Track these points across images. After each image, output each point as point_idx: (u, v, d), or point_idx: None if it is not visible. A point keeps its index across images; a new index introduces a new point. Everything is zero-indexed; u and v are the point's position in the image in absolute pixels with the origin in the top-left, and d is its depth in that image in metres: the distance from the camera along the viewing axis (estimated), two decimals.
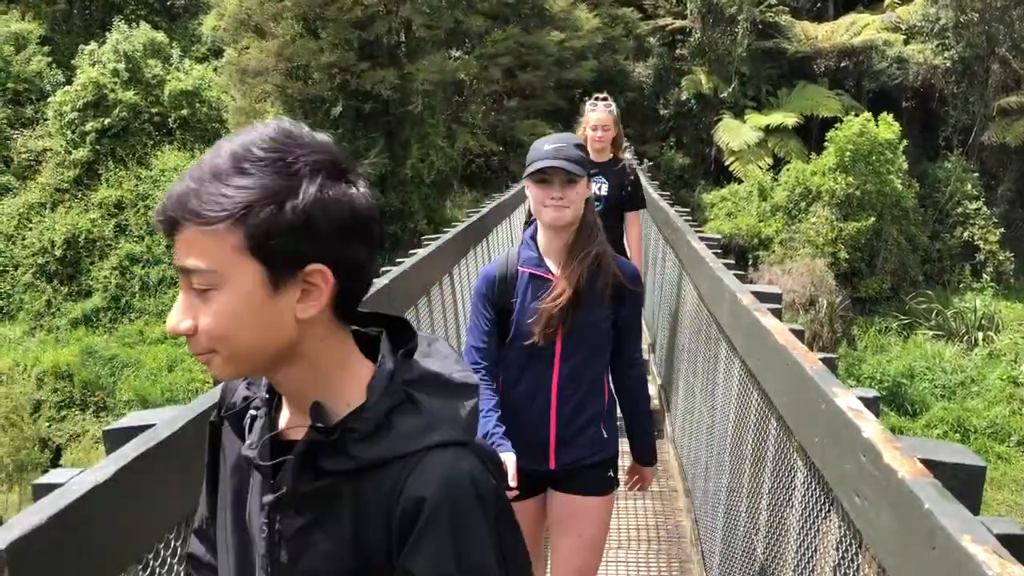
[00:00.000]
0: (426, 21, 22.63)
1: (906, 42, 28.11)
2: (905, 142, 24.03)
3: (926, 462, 1.56)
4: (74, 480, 1.54)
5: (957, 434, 18.90)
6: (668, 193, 12.93)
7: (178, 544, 1.85)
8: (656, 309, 8.32)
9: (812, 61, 29.09)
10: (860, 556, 1.81)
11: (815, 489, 2.14)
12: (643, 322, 3.83)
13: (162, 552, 1.79)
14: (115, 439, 1.86)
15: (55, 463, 18.56)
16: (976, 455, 1.85)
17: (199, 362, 1.10)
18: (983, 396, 20.24)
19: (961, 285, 24.68)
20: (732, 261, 4.75)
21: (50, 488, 1.52)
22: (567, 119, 30.03)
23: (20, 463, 18.30)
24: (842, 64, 28.82)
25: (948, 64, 27.10)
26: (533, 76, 25.94)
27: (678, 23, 30.92)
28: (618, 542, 4.88)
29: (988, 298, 23.63)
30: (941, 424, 19.23)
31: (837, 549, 1.93)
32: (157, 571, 1.77)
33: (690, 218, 7.72)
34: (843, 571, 1.89)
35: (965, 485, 1.63)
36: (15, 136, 26.99)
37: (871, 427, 1.71)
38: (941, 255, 25.49)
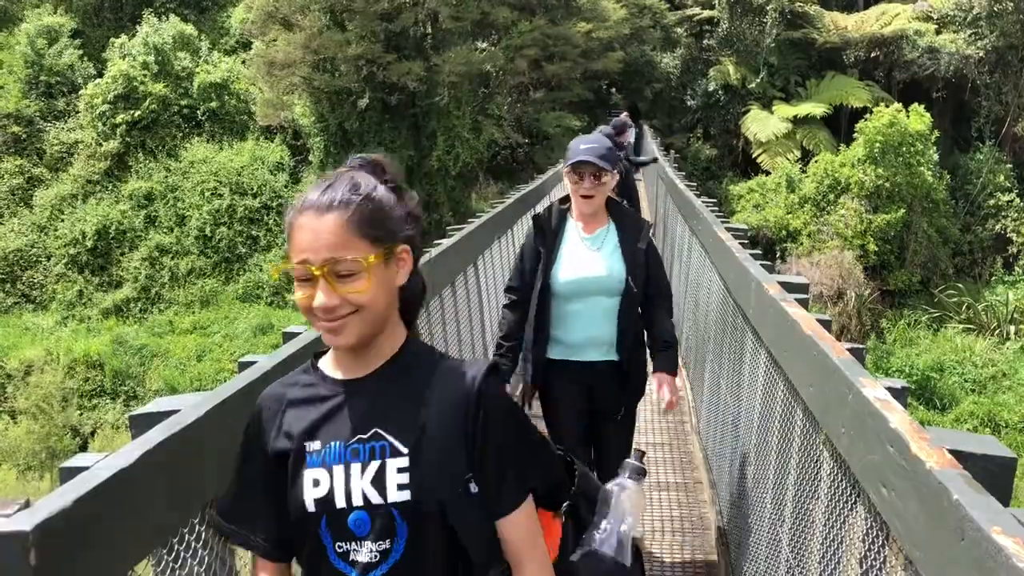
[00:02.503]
0: (452, 12, 22.61)
1: (938, 32, 27.71)
2: (936, 133, 23.69)
3: (955, 453, 1.54)
4: (99, 464, 1.55)
5: (988, 429, 18.64)
6: (695, 184, 12.86)
7: (202, 528, 1.86)
8: (681, 300, 8.28)
9: (842, 52, 28.76)
10: (887, 548, 1.79)
11: (841, 480, 2.12)
12: None
13: (187, 536, 1.80)
14: (140, 424, 1.88)
15: (83, 451, 18.84)
16: (1006, 447, 1.82)
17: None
18: (1015, 391, 19.95)
19: (993, 278, 24.33)
20: (759, 252, 4.71)
21: (76, 471, 1.54)
22: (593, 110, 29.95)
23: (51, 450, 18.61)
24: (872, 54, 28.46)
25: (981, 54, 26.67)
26: (559, 67, 25.87)
27: (706, 13, 30.71)
28: (642, 533, 4.87)
29: (1020, 291, 23.27)
30: (971, 419, 18.99)
31: (863, 540, 1.91)
32: (182, 555, 1.78)
33: (717, 209, 7.66)
34: (869, 563, 1.87)
35: (995, 477, 1.60)
36: (47, 128, 27.36)
37: (898, 417, 1.69)
38: (972, 247, 25.14)
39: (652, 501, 5.32)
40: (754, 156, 27.27)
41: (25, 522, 1.30)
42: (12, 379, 20.76)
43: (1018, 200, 25.40)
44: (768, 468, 3.15)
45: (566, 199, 3.60)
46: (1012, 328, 22.13)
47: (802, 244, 23.87)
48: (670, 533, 4.89)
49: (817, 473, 2.38)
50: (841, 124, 27.18)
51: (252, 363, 2.26)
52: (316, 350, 1.52)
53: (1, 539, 1.28)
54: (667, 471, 5.82)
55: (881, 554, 1.81)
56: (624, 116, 16.91)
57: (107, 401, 20.61)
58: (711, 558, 4.59)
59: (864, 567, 1.90)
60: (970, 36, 27.01)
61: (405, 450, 1.46)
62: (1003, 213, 25.29)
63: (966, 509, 1.31)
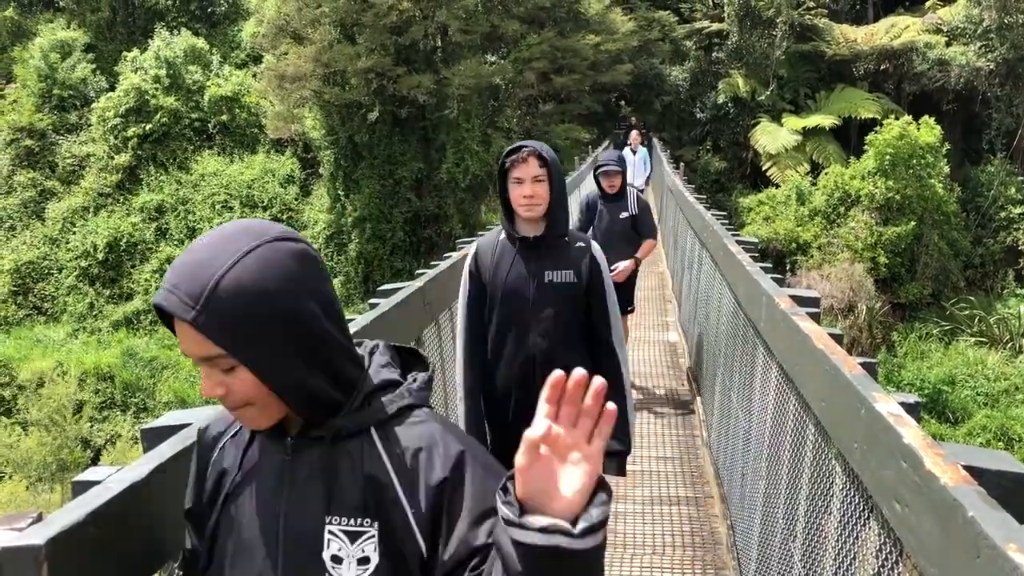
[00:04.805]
0: (462, 26, 22.70)
1: (948, 44, 27.68)
2: (947, 145, 23.63)
3: (969, 469, 1.53)
4: (112, 477, 1.55)
5: (1000, 443, 18.51)
6: (704, 197, 12.86)
7: None
8: (692, 312, 8.27)
9: (851, 64, 28.74)
10: (900, 564, 1.77)
11: (854, 495, 2.11)
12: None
13: None
14: (152, 438, 1.88)
15: (95, 463, 18.86)
16: (1021, 463, 1.80)
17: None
18: None
19: (1005, 291, 24.20)
20: (769, 265, 4.71)
21: (88, 485, 1.54)
22: (602, 123, 30.00)
23: (62, 462, 18.64)
24: (882, 67, 28.44)
25: (991, 66, 26.62)
26: (568, 80, 25.94)
27: (715, 26, 30.75)
28: (652, 548, 4.85)
29: None
30: (983, 432, 18.85)
31: (877, 557, 1.90)
32: None
33: (726, 222, 7.65)
34: None
35: (1009, 493, 1.59)
36: (60, 142, 27.55)
37: (912, 432, 1.68)
38: (984, 260, 25.03)
39: (662, 515, 5.30)
40: (764, 168, 27.25)
41: (38, 536, 1.30)
42: (24, 390, 20.84)
43: None
44: (780, 483, 3.14)
45: None
46: None
47: (812, 257, 23.81)
48: (680, 548, 4.87)
49: (829, 488, 2.37)
50: (851, 136, 27.14)
51: None
52: None
53: (14, 553, 1.28)
54: (677, 485, 5.80)
55: (895, 570, 1.80)
56: (634, 136, 17.19)
57: (117, 413, 20.66)
58: (722, 572, 4.56)
59: None
60: (980, 48, 26.97)
61: None
62: (1015, 225, 25.17)
63: (981, 525, 1.30)
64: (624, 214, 6.85)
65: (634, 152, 16.55)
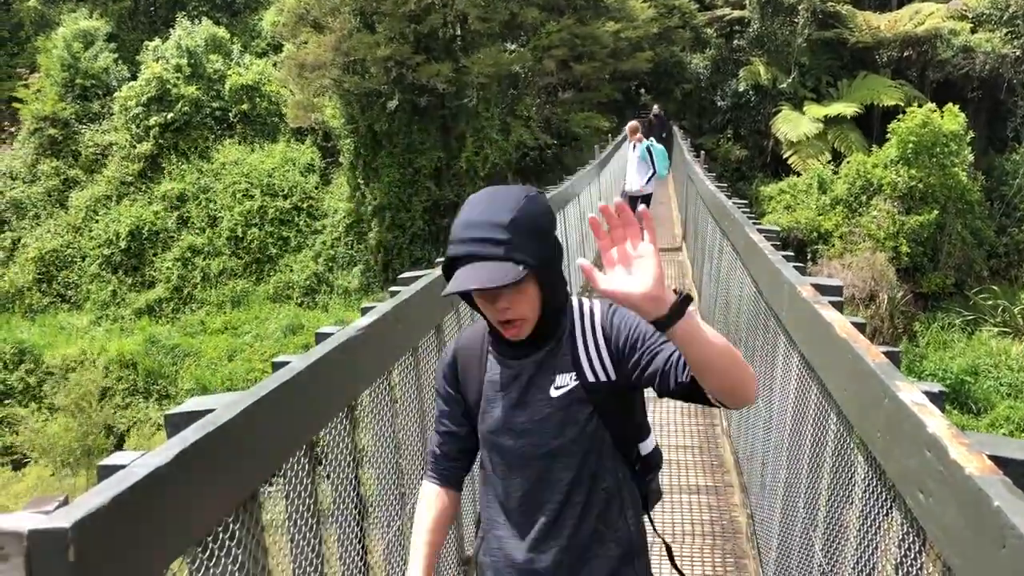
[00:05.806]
0: (481, 14, 22.65)
1: (973, 30, 27.33)
2: (971, 133, 23.35)
3: (994, 459, 1.52)
4: (136, 462, 1.57)
5: (1023, 434, 18.39)
6: (725, 185, 12.77)
7: (236, 527, 1.87)
8: (712, 302, 8.24)
9: (874, 51, 28.44)
10: (924, 554, 1.76)
11: (876, 485, 2.10)
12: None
13: (221, 535, 1.81)
14: (176, 423, 1.90)
15: (119, 448, 19.07)
16: None
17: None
18: None
19: None
20: (791, 254, 4.67)
21: (114, 469, 1.56)
22: (622, 111, 29.87)
23: (87, 448, 18.87)
24: (905, 54, 28.12)
25: (1017, 53, 26.27)
26: (588, 68, 25.81)
27: (736, 13, 30.51)
28: (672, 536, 4.85)
29: None
30: (1007, 424, 18.70)
31: (899, 547, 1.89)
32: (216, 554, 1.79)
33: (748, 210, 7.60)
34: (905, 570, 1.84)
35: None
36: (83, 131, 27.76)
37: (936, 422, 1.67)
38: (1008, 250, 24.75)
39: (682, 504, 5.30)
40: (785, 157, 27.05)
41: (64, 519, 1.32)
42: (52, 376, 21.11)
43: None
44: (801, 472, 3.13)
45: None
46: None
47: (834, 246, 23.63)
48: (700, 536, 4.87)
49: (851, 477, 2.36)
50: (873, 124, 26.88)
51: (285, 363, 2.28)
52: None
53: (41, 535, 1.30)
54: (697, 474, 5.80)
55: (918, 561, 1.79)
56: (631, 128, 13.88)
57: (140, 400, 20.86)
58: (742, 562, 4.56)
59: (900, 574, 1.88)
60: (1006, 35, 26.62)
61: None
62: None
63: (1007, 516, 1.29)
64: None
65: (634, 149, 13.31)
